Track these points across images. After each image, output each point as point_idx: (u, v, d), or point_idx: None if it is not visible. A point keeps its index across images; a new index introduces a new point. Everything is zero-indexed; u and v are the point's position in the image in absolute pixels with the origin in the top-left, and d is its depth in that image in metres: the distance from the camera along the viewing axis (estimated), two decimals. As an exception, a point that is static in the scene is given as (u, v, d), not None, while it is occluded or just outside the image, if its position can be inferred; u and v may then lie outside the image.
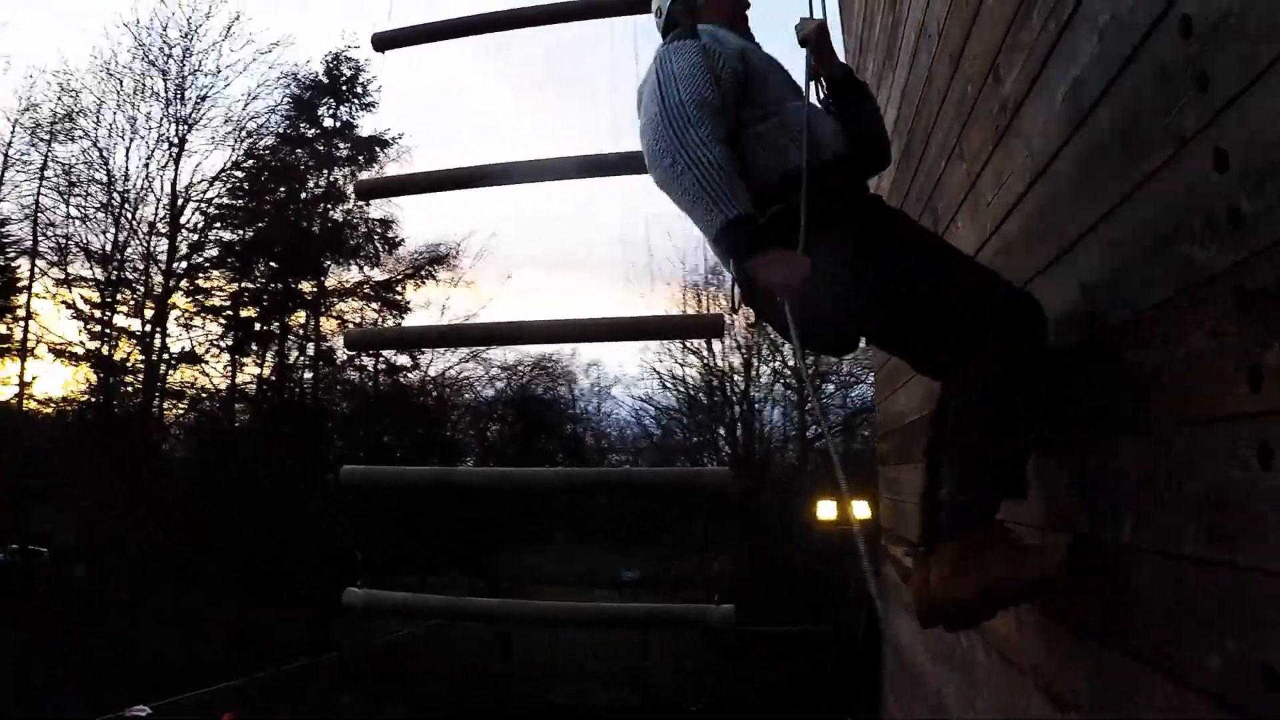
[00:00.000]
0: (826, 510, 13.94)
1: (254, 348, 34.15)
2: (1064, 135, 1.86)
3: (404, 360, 34.58)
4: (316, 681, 10.93)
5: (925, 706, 3.83)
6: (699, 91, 2.22)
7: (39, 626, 26.16)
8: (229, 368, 33.54)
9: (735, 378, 31.09)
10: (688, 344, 30.56)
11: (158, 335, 32.27)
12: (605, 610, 4.71)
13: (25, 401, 33.54)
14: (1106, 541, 1.65)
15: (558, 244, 65.10)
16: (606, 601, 27.28)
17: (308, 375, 34.35)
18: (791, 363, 29.69)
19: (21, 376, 32.94)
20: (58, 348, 33.04)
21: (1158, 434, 1.48)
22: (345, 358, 34.69)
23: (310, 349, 34.29)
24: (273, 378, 33.91)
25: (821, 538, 17.88)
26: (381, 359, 34.70)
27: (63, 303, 32.39)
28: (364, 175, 33.17)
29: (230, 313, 33.77)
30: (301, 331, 34.52)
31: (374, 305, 34.41)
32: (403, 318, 33.86)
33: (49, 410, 35.45)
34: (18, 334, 33.29)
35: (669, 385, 32.08)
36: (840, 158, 2.31)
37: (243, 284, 33.81)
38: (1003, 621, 2.39)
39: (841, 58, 2.68)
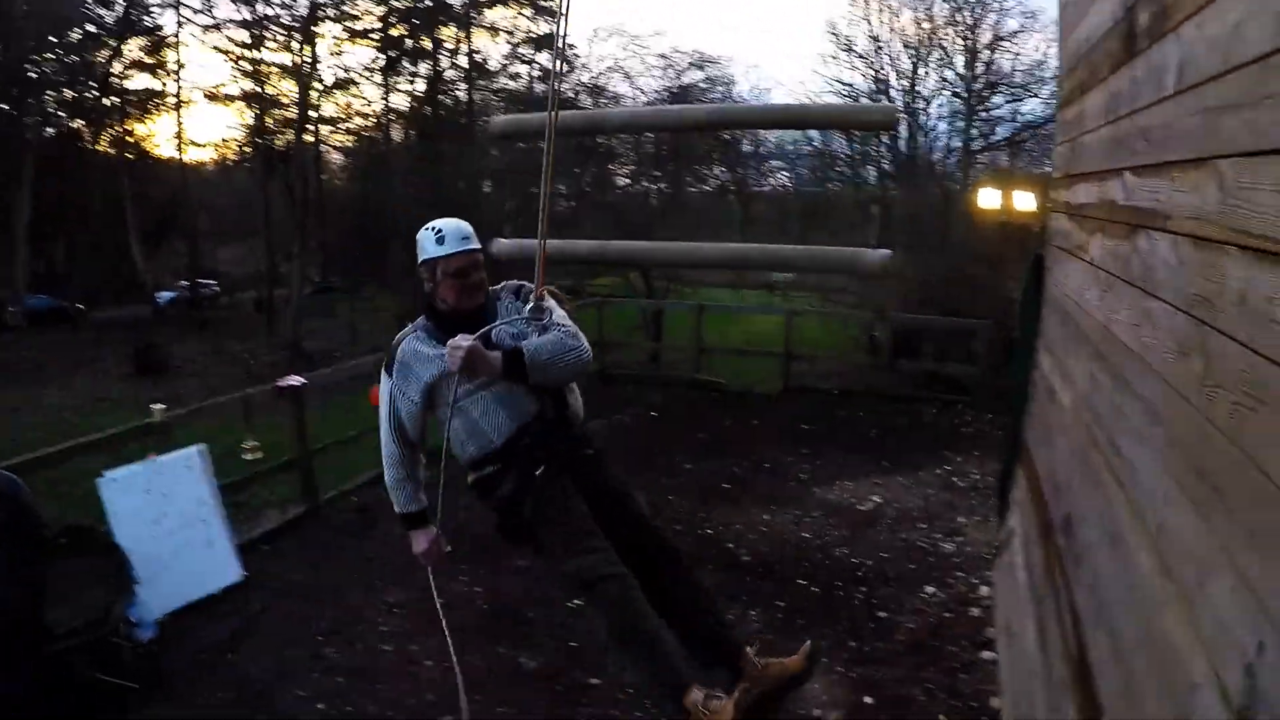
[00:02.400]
0: (988, 198, 13.26)
1: (406, 66, 33.98)
2: None
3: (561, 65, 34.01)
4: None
5: (1087, 350, 3.57)
6: (384, 428, 3.56)
7: (212, 337, 28.29)
8: (383, 91, 33.62)
9: (901, 82, 29.61)
10: (853, 46, 29.27)
11: (309, 66, 32.31)
12: (751, 252, 4.44)
13: (184, 149, 34.62)
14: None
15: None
16: (759, 300, 27.42)
17: (462, 89, 34.04)
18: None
19: (179, 129, 33.91)
20: (211, 92, 33.69)
21: None
22: (500, 66, 34.23)
23: (463, 62, 33.86)
24: (427, 93, 33.81)
25: (982, 235, 17.28)
26: (535, 64, 34.16)
27: (212, 47, 32.73)
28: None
29: (380, 34, 33.43)
30: (453, 46, 34.05)
31: (525, 12, 33.48)
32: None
33: (211, 158, 36.93)
34: (172, 88, 34.06)
35: (833, 90, 30.69)
36: (502, 446, 3.39)
37: (391, 2, 33.24)
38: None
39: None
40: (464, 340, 3.19)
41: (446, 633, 3.78)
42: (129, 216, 33.69)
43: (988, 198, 13.33)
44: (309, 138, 33.23)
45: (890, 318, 14.57)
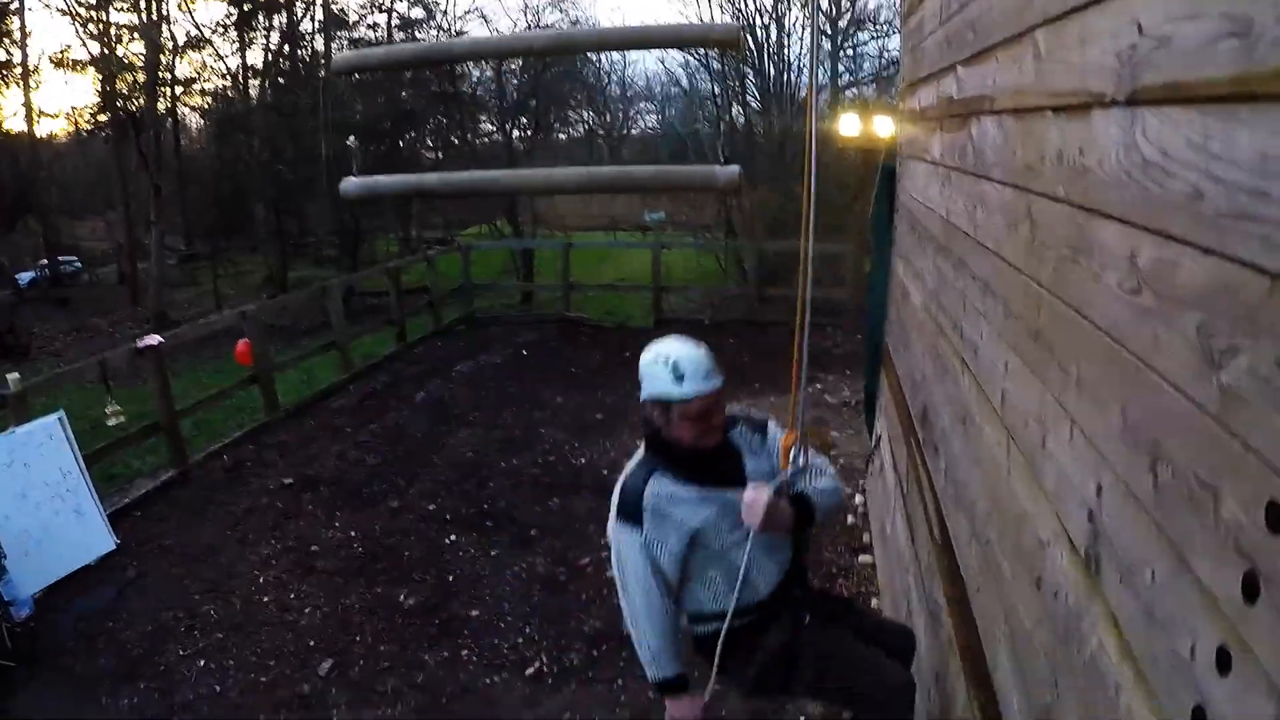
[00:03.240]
0: (849, 126, 13.43)
1: (260, 20, 32.69)
2: None
3: (418, 13, 33.04)
4: (331, 298, 11.04)
5: (933, 246, 3.67)
6: (641, 586, 2.91)
7: (75, 315, 27.22)
8: (238, 47, 32.30)
9: (765, 19, 29.64)
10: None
11: (161, 25, 30.78)
12: (603, 173, 4.43)
13: (35, 122, 32.69)
14: None
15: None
16: (632, 240, 27.46)
17: (319, 41, 32.88)
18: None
19: (28, 101, 31.98)
20: (58, 58, 31.83)
21: None
22: (357, 16, 33.24)
23: (319, 14, 32.67)
24: (284, 46, 32.59)
25: (845, 162, 17.58)
26: (395, 13, 33.19)
27: (57, 10, 30.79)
28: None
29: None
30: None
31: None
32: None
33: (64, 131, 35.00)
34: (18, 57, 32.02)
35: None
36: (768, 597, 2.95)
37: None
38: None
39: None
40: (760, 494, 2.76)
41: None
42: (-20, 196, 31.89)
43: (849, 125, 13.50)
44: (163, 101, 31.77)
45: (739, 246, 14.71)
